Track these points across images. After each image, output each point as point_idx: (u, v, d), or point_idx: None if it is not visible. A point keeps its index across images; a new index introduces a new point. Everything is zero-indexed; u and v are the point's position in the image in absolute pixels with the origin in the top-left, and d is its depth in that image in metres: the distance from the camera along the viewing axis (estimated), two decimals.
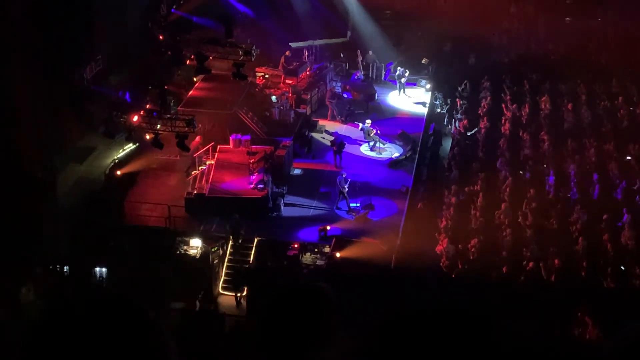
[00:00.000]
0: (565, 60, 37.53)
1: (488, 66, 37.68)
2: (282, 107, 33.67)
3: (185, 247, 26.11)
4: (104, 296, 2.58)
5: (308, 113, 34.76)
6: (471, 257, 24.82)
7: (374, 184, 29.62)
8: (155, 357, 2.47)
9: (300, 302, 3.30)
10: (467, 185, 28.43)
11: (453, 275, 24.26)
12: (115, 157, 31.31)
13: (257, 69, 35.95)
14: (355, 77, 37.10)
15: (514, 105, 34.15)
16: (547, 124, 32.84)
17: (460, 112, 34.36)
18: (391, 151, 32.32)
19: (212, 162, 30.10)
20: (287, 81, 36.06)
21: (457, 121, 33.95)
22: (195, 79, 35.58)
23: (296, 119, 33.38)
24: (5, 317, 21.41)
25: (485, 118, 33.31)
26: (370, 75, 38.44)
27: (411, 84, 37.47)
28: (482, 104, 34.60)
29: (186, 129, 31.74)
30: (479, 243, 25.04)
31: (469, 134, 32.25)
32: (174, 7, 36.66)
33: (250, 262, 26.05)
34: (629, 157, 30.29)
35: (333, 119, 34.86)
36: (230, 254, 26.47)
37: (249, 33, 35.41)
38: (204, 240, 26.18)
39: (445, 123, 34.69)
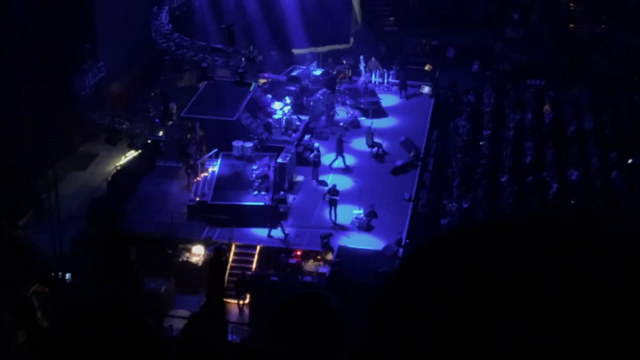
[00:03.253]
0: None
1: (491, 73, 37.60)
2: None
3: (188, 255, 26.00)
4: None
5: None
6: None
7: (376, 191, 29.43)
8: None
9: (304, 310, 3.22)
10: (469, 192, 28.30)
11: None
12: (118, 164, 31.22)
13: (260, 75, 35.88)
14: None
15: (517, 112, 34.03)
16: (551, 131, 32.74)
17: (464, 118, 34.24)
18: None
19: (215, 169, 29.99)
20: (290, 88, 35.90)
21: (460, 128, 33.80)
22: (198, 86, 35.52)
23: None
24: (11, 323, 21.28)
25: (488, 125, 33.20)
26: (372, 82, 38.32)
27: (413, 89, 37.49)
28: (485, 111, 34.49)
29: (188, 135, 31.74)
30: None
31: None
32: (177, 13, 36.68)
33: (253, 269, 25.94)
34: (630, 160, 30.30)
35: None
36: (233, 262, 26.35)
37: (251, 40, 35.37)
38: (207, 248, 26.07)
39: (449, 129, 34.56)
